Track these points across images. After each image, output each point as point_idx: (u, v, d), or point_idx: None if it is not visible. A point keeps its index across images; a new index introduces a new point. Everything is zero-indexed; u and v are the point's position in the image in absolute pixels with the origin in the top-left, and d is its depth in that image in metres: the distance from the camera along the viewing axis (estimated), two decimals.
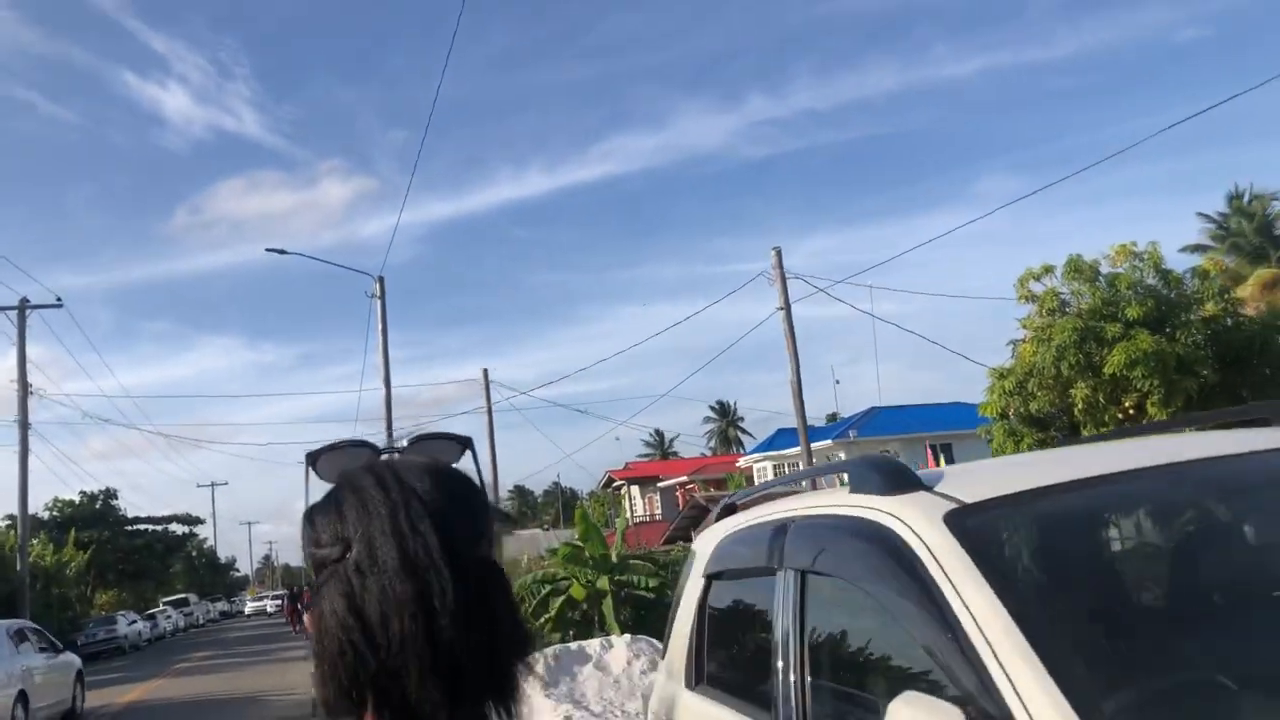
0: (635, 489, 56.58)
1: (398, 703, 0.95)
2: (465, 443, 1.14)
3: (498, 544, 1.05)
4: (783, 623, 2.53)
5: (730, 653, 3.12)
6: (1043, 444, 20.04)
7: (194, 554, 70.29)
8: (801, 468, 25.73)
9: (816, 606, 2.47)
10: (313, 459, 1.10)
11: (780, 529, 2.67)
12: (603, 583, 15.50)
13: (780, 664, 2.50)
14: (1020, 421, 20.29)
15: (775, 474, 41.51)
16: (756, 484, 39.49)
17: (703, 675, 3.21)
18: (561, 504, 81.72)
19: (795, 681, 2.42)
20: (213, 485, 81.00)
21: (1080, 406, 18.60)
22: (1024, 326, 19.70)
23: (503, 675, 0.99)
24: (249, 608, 65.38)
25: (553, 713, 10.91)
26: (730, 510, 3.58)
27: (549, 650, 11.87)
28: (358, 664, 0.95)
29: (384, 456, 1.10)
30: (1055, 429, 20.37)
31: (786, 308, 18.11)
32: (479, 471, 1.10)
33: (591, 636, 15.66)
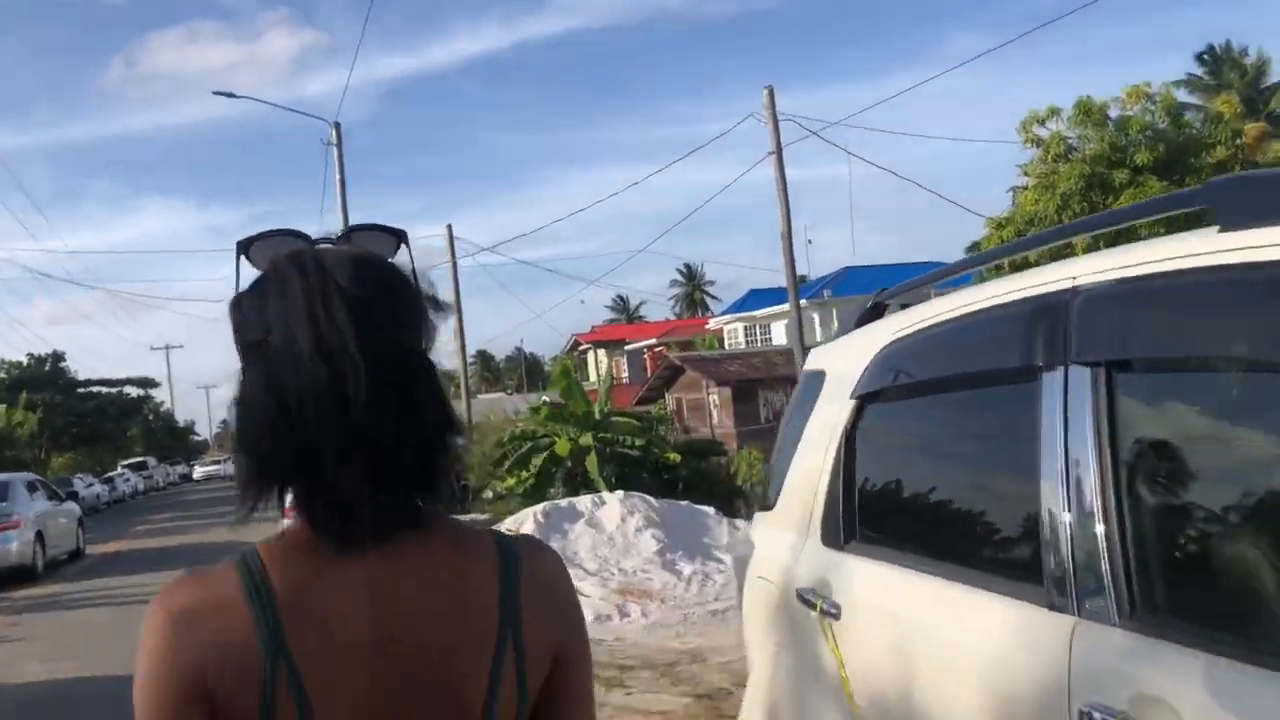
0: (602, 353, 55.93)
1: (317, 486, 0.96)
2: (399, 235, 1.10)
3: (428, 335, 1.03)
4: (1066, 446, 1.60)
5: (916, 499, 2.21)
6: None
7: (150, 418, 69.13)
8: (788, 326, 25.01)
9: (1139, 418, 1.55)
10: (244, 247, 1.06)
11: (1048, 308, 1.71)
12: (586, 439, 14.79)
13: (1064, 511, 1.59)
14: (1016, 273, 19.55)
15: (746, 336, 40.95)
16: (727, 347, 39.09)
17: (854, 531, 2.32)
18: (525, 369, 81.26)
19: (1103, 536, 1.51)
20: (167, 348, 79.39)
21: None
22: (1026, 173, 18.72)
23: (427, 466, 1.00)
24: (199, 472, 63.31)
25: None
26: (878, 312, 2.64)
27: (538, 507, 11.16)
28: (276, 445, 0.95)
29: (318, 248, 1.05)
30: None
31: (778, 151, 16.94)
32: (413, 265, 1.07)
33: (576, 494, 15.06)
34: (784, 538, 2.62)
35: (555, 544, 10.87)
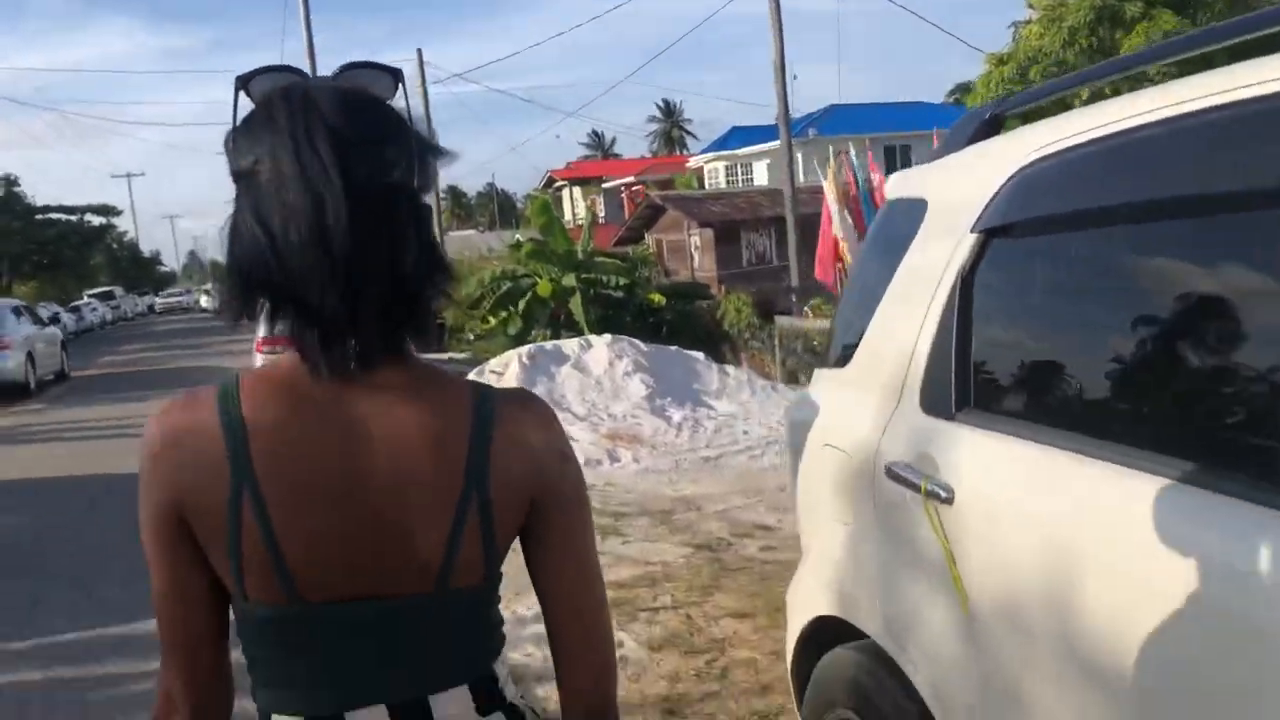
0: (577, 190, 54.61)
1: (302, 311, 0.99)
2: (395, 74, 1.12)
3: (422, 176, 1.03)
4: None
5: (1069, 361, 1.75)
6: None
7: (114, 246, 67.54)
8: (771, 166, 24.21)
9: None
10: (243, 82, 1.09)
11: None
12: (569, 280, 14.28)
13: None
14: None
15: (727, 175, 39.95)
16: (708, 187, 38.11)
17: (969, 398, 1.88)
18: (497, 206, 79.69)
19: None
20: (128, 176, 76.83)
21: (1085, 98, 17.13)
22: (1031, 5, 17.72)
23: (411, 304, 1.02)
24: (159, 304, 61.25)
25: None
26: (995, 126, 2.13)
27: (522, 350, 10.74)
28: (264, 268, 0.98)
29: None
30: None
31: None
32: (408, 105, 1.09)
33: (559, 337, 14.65)
34: (863, 401, 2.19)
35: (542, 387, 10.51)
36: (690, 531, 6.55)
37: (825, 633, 2.36)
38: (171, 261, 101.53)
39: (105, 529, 7.15)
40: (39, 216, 48.73)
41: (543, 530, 1.09)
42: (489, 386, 1.10)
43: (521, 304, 14.66)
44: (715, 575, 5.43)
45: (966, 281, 1.92)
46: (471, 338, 20.94)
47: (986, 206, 1.89)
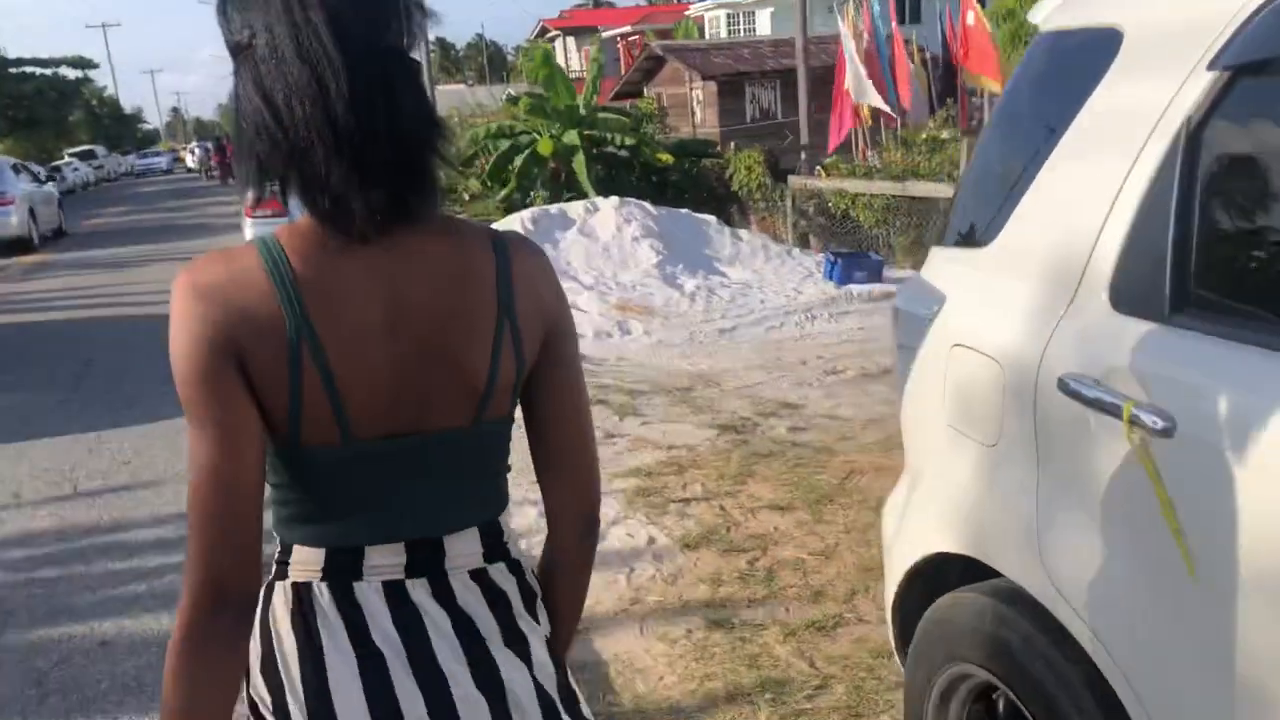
0: (571, 40, 52.49)
1: (312, 181, 1.01)
2: None
3: (410, 35, 1.04)
4: None
5: None
6: None
7: (94, 103, 65.34)
8: (774, 14, 22.93)
9: None
10: None
11: None
12: (571, 137, 13.48)
13: None
14: None
15: (729, 25, 38.34)
16: (708, 37, 36.55)
17: (1188, 295, 1.41)
18: (486, 58, 76.98)
19: None
20: (104, 26, 73.61)
21: None
22: None
23: (413, 163, 1.04)
24: (140, 164, 55.41)
25: None
26: None
27: (525, 214, 10.13)
28: (271, 144, 1.01)
29: None
30: None
31: None
32: None
33: (560, 198, 13.98)
34: (1017, 292, 1.71)
35: (547, 253, 9.96)
36: (712, 411, 6.16)
37: (940, 571, 1.95)
38: (154, 119, 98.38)
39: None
40: (11, 70, 46.78)
41: (551, 353, 1.16)
42: (498, 230, 1.17)
43: (519, 162, 13.90)
44: (745, 461, 5.05)
45: (1194, 136, 1.41)
46: (467, 198, 20.24)
47: (1235, 35, 1.37)
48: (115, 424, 6.37)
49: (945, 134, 11.18)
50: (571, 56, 51.58)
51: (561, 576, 1.24)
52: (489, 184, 15.66)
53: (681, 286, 9.23)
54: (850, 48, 13.08)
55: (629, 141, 13.84)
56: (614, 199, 10.35)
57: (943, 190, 10.30)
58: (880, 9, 13.37)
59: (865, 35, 13.07)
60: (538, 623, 1.19)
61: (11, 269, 15.21)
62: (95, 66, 53.03)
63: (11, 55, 47.16)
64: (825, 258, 9.57)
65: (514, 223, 10.01)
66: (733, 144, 14.09)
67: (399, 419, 1.06)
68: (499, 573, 1.16)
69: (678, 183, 14.91)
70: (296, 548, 1.11)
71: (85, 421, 6.48)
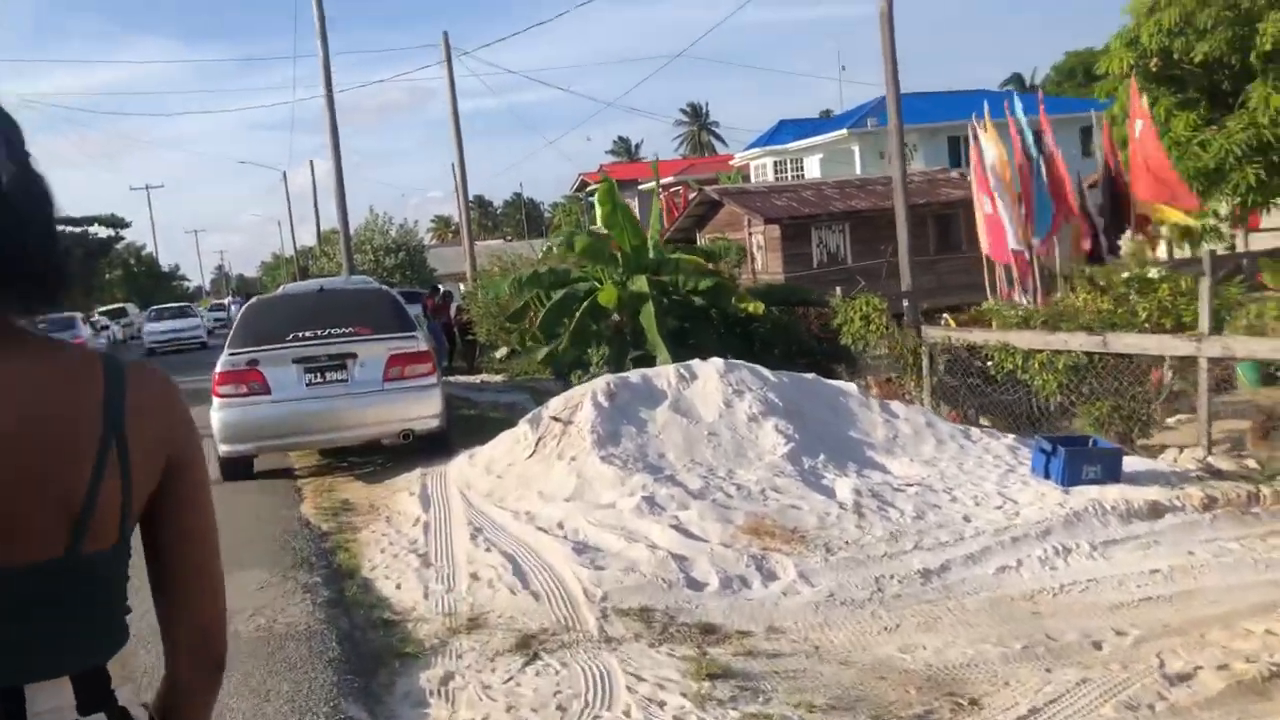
0: None
1: None
2: None
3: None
4: None
5: None
6: (1191, 108, 15.16)
7: (131, 261, 65.07)
8: (824, 160, 20.73)
9: None
10: None
11: None
12: (639, 284, 10.82)
13: None
14: (1156, 80, 15.29)
15: (776, 172, 36.67)
16: (754, 181, 34.74)
17: None
18: (524, 215, 76.69)
19: None
20: (147, 188, 74.32)
21: (1269, 46, 13.59)
22: None
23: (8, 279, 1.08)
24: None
25: (619, 487, 6.47)
26: None
27: (598, 384, 7.30)
28: None
29: None
30: (1214, 87, 15.41)
31: None
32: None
33: (625, 358, 11.24)
34: None
35: (630, 442, 7.07)
36: None
37: None
38: (196, 277, 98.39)
39: None
40: None
41: (173, 486, 1.15)
42: (110, 353, 1.19)
43: (575, 317, 11.23)
44: None
45: None
46: (506, 354, 17.57)
47: None
48: None
49: (1154, 272, 8.37)
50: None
51: (176, 714, 1.19)
52: (536, 339, 12.99)
53: (833, 491, 6.25)
54: (994, 176, 10.58)
55: (706, 286, 11.17)
56: (717, 361, 7.50)
57: (1172, 346, 7.44)
58: (1026, 120, 10.89)
59: (1017, 154, 10.55)
60: None
61: None
62: (127, 225, 52.52)
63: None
64: (1036, 446, 6.61)
65: (582, 398, 7.16)
66: (838, 289, 11.34)
67: None
68: None
69: (765, 335, 12.16)
70: None
71: None
